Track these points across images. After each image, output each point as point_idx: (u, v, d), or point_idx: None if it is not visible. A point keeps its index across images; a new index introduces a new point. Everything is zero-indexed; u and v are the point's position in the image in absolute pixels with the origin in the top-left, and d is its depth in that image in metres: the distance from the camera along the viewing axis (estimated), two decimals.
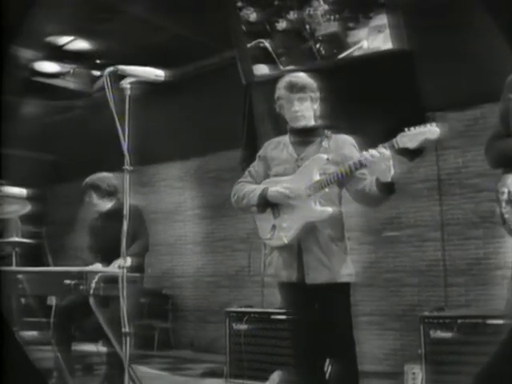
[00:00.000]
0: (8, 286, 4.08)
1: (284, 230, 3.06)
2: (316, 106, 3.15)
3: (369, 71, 5.92)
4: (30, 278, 3.91)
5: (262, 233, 3.18)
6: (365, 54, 5.86)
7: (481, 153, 6.31)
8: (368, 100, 5.70)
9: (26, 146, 7.95)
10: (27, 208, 4.81)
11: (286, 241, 3.03)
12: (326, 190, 3.02)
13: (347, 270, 3.08)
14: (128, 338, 2.77)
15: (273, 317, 4.98)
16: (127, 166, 2.92)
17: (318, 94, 3.16)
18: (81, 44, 6.98)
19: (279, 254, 3.13)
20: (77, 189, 8.97)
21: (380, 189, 2.92)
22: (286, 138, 3.26)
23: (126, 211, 2.88)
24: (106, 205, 4.55)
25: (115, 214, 4.46)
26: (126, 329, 2.76)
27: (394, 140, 2.79)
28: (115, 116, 2.83)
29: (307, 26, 6.53)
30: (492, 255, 5.86)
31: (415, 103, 5.67)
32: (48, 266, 7.89)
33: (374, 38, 6.33)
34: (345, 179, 2.99)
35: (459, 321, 4.26)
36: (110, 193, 4.53)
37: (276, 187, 3.09)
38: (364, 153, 2.84)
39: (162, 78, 2.95)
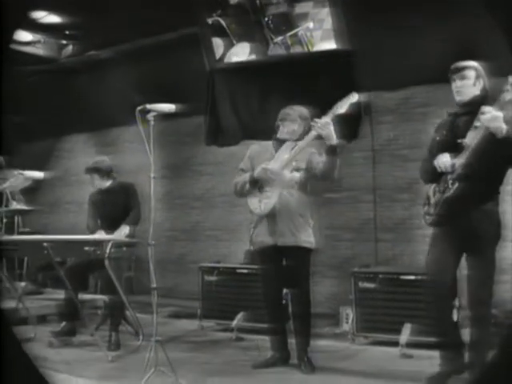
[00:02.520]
0: (34, 252, 4.96)
1: (267, 198, 4.16)
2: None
3: (309, 65, 6.60)
4: (54, 246, 4.72)
5: (252, 206, 4.27)
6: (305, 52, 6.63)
7: (409, 128, 7.26)
8: (308, 90, 6.33)
9: None
10: (28, 182, 5.60)
11: (270, 207, 4.14)
12: (293, 163, 4.18)
13: (309, 239, 4.24)
14: (156, 292, 3.77)
15: (238, 271, 5.90)
16: (152, 174, 3.81)
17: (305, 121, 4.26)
18: (53, 18, 7.47)
19: (263, 226, 4.24)
20: (42, 148, 9.56)
21: (327, 152, 4.04)
22: (269, 144, 4.38)
23: (152, 204, 3.81)
24: (106, 183, 5.38)
25: (112, 191, 5.39)
26: (154, 284, 3.76)
27: (330, 111, 4.00)
28: (144, 138, 3.72)
29: (257, 1, 7.20)
30: (415, 216, 6.17)
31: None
32: None
33: (318, 12, 6.90)
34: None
35: (380, 275, 5.18)
36: (108, 173, 5.37)
37: (259, 166, 4.20)
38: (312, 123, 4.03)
39: (173, 111, 3.89)
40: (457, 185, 3.58)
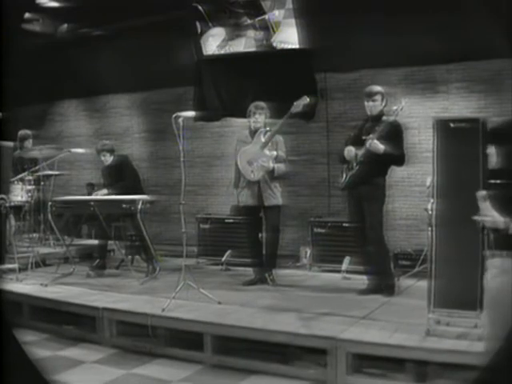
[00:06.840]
0: (84, 209, 7.05)
1: (256, 170, 6.31)
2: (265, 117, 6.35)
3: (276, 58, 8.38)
4: (99, 204, 6.84)
5: (247, 176, 6.37)
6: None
7: (357, 104, 9.36)
8: (276, 82, 8.12)
9: None
10: (60, 154, 7.66)
11: (260, 176, 6.31)
12: (269, 144, 6.29)
13: (278, 200, 6.42)
14: (185, 235, 5.82)
15: (226, 220, 7.96)
16: (182, 158, 5.86)
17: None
18: (52, 3, 9.17)
19: (247, 190, 6.40)
20: (37, 112, 11.14)
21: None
22: (247, 133, 6.48)
23: (183, 182, 5.81)
24: (110, 159, 7.45)
25: (114, 166, 7.42)
26: (184, 229, 5.88)
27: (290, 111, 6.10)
28: (176, 133, 5.74)
29: None
30: None
31: (311, 82, 8.23)
32: None
33: None
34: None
35: (329, 223, 7.23)
36: (111, 151, 7.45)
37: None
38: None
39: (193, 115, 5.99)
40: (358, 167, 5.76)
